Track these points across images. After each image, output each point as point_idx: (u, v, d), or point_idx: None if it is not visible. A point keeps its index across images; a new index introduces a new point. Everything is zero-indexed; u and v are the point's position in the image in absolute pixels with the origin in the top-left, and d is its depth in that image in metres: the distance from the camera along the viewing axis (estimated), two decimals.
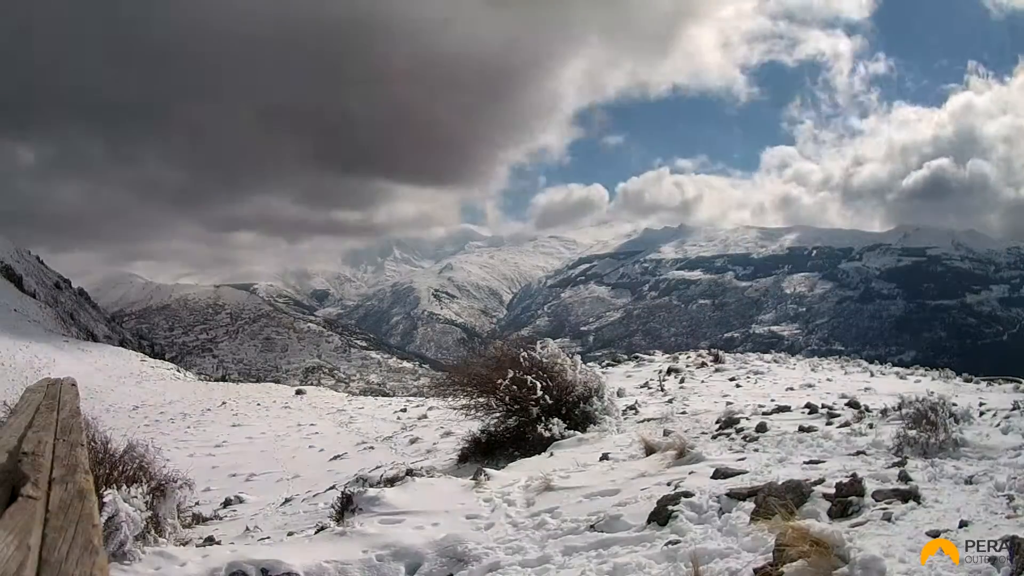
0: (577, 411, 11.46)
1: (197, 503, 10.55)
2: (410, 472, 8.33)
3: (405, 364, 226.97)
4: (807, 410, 11.26)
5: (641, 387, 19.01)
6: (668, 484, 6.37)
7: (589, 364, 12.96)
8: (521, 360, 11.38)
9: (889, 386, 16.30)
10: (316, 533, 7.00)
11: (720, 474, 6.34)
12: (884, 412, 9.81)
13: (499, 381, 11.00)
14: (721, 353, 26.01)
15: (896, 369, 23.99)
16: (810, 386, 16.51)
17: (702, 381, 19.59)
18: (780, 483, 5.36)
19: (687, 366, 23.40)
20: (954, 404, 7.49)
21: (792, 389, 16.13)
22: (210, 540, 7.47)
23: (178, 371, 63.78)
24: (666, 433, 9.34)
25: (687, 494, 5.66)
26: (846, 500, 4.87)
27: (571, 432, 10.69)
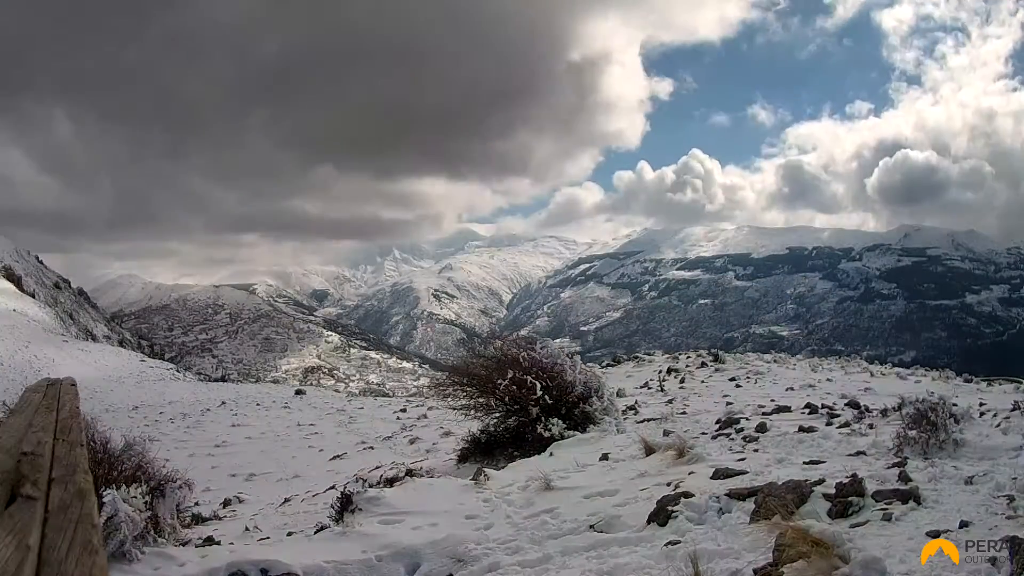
0: (577, 411, 11.44)
1: (197, 503, 10.55)
2: (410, 472, 8.33)
3: (405, 364, 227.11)
4: (807, 410, 11.25)
5: (641, 387, 19.01)
6: (668, 484, 6.36)
7: (589, 364, 12.96)
8: (521, 360, 11.36)
9: (889, 386, 16.29)
10: (316, 533, 7.00)
11: (720, 474, 6.33)
12: (884, 412, 9.81)
13: (499, 381, 10.98)
14: (721, 353, 26.02)
15: (896, 369, 23.99)
16: (810, 386, 16.51)
17: (702, 381, 19.59)
18: (780, 483, 5.36)
19: (687, 366, 23.39)
20: (954, 404, 7.48)
21: (792, 389, 16.13)
22: (209, 540, 7.46)
23: (177, 371, 63.83)
24: (666, 433, 9.34)
25: (687, 494, 5.65)
26: (846, 500, 4.87)
27: (571, 432, 10.67)
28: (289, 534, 7.73)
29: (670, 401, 15.28)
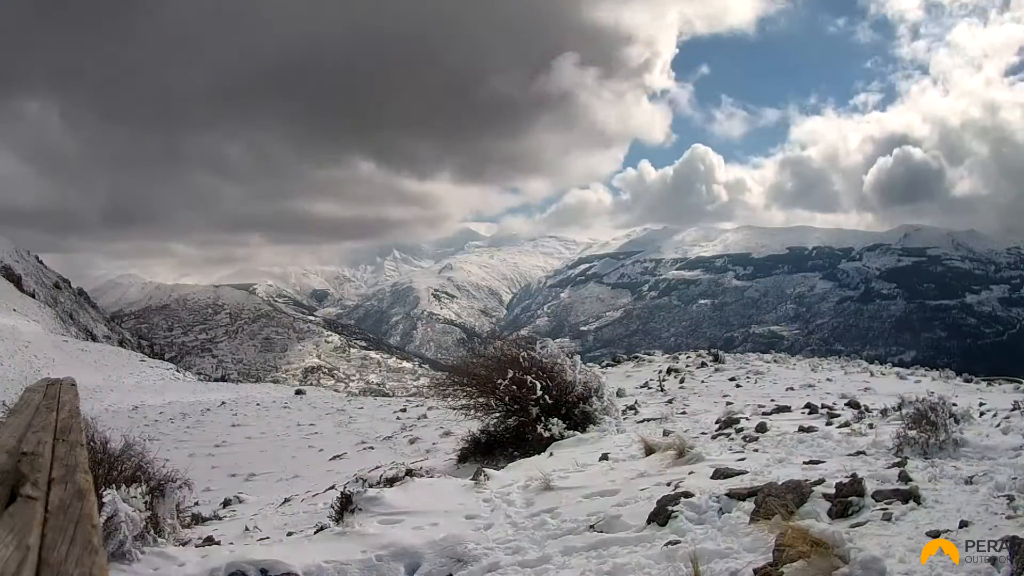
0: (577, 411, 11.45)
1: (197, 503, 10.55)
2: (410, 472, 8.33)
3: (405, 364, 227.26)
4: (807, 410, 11.26)
5: (641, 387, 19.01)
6: (668, 484, 6.36)
7: (589, 364, 12.95)
8: (521, 360, 11.37)
9: (889, 386, 16.30)
10: (315, 533, 6.99)
11: (720, 474, 6.32)
12: (884, 412, 9.81)
13: (499, 381, 10.99)
14: (721, 353, 26.02)
15: (896, 369, 24.01)
16: (810, 386, 16.53)
17: (702, 381, 19.59)
18: (780, 483, 5.36)
19: (687, 366, 23.40)
20: (954, 404, 7.49)
21: (792, 389, 16.14)
22: (209, 540, 7.46)
23: (177, 371, 63.87)
24: (666, 433, 9.35)
25: (687, 494, 5.65)
26: (846, 500, 4.87)
27: (571, 432, 10.68)
28: (289, 534, 7.72)
29: (670, 401, 15.28)
